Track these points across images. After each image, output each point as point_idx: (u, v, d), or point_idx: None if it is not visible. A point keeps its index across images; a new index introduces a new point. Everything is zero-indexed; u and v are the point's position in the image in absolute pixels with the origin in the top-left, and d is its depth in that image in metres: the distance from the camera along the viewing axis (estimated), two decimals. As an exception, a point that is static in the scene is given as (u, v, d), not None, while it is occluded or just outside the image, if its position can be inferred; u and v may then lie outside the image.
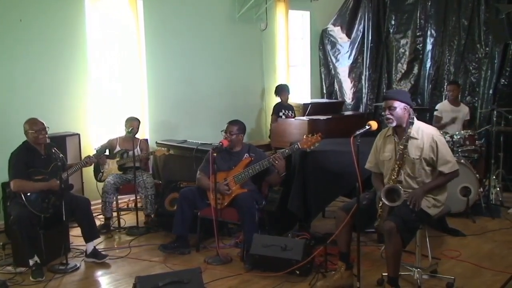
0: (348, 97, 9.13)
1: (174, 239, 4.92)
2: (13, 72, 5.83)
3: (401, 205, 3.65)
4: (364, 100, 8.82)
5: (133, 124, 5.82)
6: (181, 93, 7.48)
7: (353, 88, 9.06)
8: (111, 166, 5.77)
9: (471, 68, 7.47)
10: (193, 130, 7.45)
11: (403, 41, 8.29)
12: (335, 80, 9.36)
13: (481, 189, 6.04)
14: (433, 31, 7.86)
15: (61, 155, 4.70)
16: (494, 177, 6.23)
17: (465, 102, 7.24)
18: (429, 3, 7.90)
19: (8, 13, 5.74)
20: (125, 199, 6.58)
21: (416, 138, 3.82)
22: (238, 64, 8.23)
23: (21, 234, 4.33)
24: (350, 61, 9.01)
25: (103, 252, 4.81)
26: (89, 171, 5.95)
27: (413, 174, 3.83)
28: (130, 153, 5.67)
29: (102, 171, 5.76)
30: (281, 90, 8.11)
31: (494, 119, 6.17)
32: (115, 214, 5.83)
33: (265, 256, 4.30)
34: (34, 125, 4.55)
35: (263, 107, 8.65)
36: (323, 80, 9.54)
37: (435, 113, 6.91)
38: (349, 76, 9.07)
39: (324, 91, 9.53)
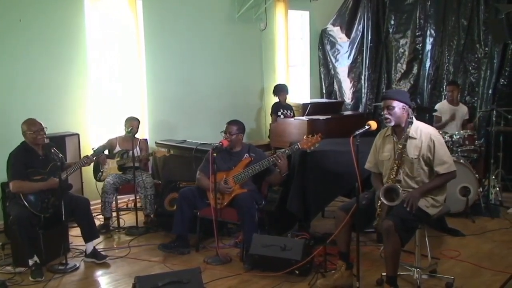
0: (348, 97, 9.13)
1: (174, 239, 4.92)
2: (12, 72, 5.83)
3: (400, 204, 3.66)
4: (364, 100, 8.83)
5: (132, 124, 5.82)
6: (181, 93, 7.48)
7: (352, 88, 9.07)
8: (111, 166, 5.77)
9: (470, 68, 7.47)
10: (192, 130, 7.45)
11: (402, 41, 8.29)
12: (335, 80, 9.37)
13: (481, 189, 6.05)
14: (432, 31, 7.87)
15: (60, 155, 4.70)
16: (493, 177, 6.23)
17: (464, 102, 7.25)
18: (429, 3, 7.90)
19: (8, 13, 5.74)
20: (124, 199, 6.58)
21: (414, 138, 3.82)
22: (238, 64, 8.23)
23: (21, 234, 4.33)
24: (350, 61, 9.02)
25: (102, 252, 4.81)
26: (88, 171, 5.95)
27: (412, 174, 3.83)
28: (130, 153, 5.66)
29: (102, 170, 5.76)
30: (280, 90, 8.12)
31: (494, 119, 6.18)
32: (114, 214, 5.83)
33: (265, 256, 4.30)
34: (32, 126, 4.54)
35: (262, 107, 8.65)
36: (322, 80, 9.55)
37: (434, 113, 6.91)
38: (348, 76, 9.08)
39: (324, 91, 9.53)
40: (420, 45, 8.10)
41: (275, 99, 8.19)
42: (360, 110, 8.92)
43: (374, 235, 5.05)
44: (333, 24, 9.22)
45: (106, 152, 5.83)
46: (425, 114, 7.57)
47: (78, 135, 6.18)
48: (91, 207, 4.96)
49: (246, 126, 5.11)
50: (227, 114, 6.73)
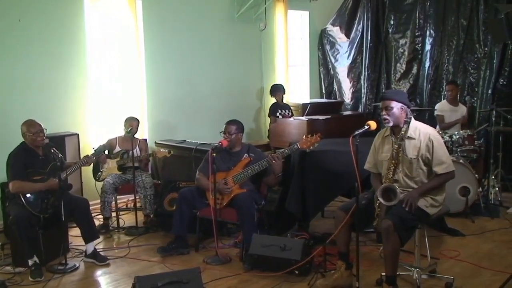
0: (347, 97, 9.13)
1: (173, 239, 4.92)
2: (12, 72, 5.83)
3: (399, 204, 3.66)
4: (363, 100, 8.83)
5: (132, 124, 5.83)
6: (180, 93, 7.48)
7: (352, 88, 9.07)
8: (111, 166, 5.76)
9: (470, 68, 7.47)
10: (192, 130, 7.45)
11: (402, 41, 8.29)
12: (334, 80, 9.37)
13: (480, 189, 6.05)
14: (432, 31, 7.87)
15: (60, 155, 4.69)
16: (493, 177, 6.24)
17: (464, 102, 7.25)
18: (428, 3, 7.90)
19: (8, 13, 5.74)
20: (124, 199, 6.58)
21: (413, 138, 3.83)
22: (237, 64, 8.23)
23: (20, 234, 4.33)
24: (349, 61, 9.01)
25: (102, 253, 4.82)
26: (88, 171, 5.95)
27: (411, 174, 3.83)
28: (130, 153, 5.66)
29: (101, 170, 5.76)
30: (276, 90, 8.13)
31: (493, 119, 6.18)
32: (114, 214, 5.83)
33: (264, 256, 4.30)
34: (31, 127, 4.53)
35: (262, 106, 8.65)
36: (322, 80, 9.55)
37: (435, 113, 6.91)
38: (348, 76, 9.08)
39: (323, 91, 9.53)
40: (420, 45, 8.10)
41: (273, 100, 8.19)
42: (360, 110, 8.92)
43: (374, 235, 5.05)
44: (333, 24, 9.22)
45: (106, 152, 5.83)
46: (424, 114, 7.59)
47: (77, 135, 6.18)
48: (91, 207, 4.96)
49: (245, 126, 5.11)
50: (227, 114, 6.73)
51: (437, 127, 6.71)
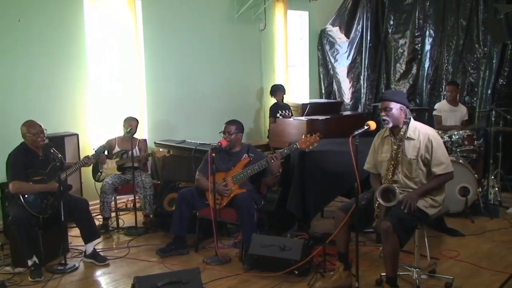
0: (347, 97, 9.13)
1: (172, 239, 4.92)
2: (12, 72, 5.83)
3: (398, 204, 3.66)
4: (363, 100, 8.83)
5: (131, 124, 5.83)
6: (180, 93, 7.47)
7: (351, 88, 9.07)
8: (110, 166, 5.76)
9: (469, 68, 7.47)
10: (192, 130, 7.45)
11: (401, 41, 8.29)
12: (334, 80, 9.37)
13: (480, 189, 6.05)
14: (431, 31, 7.87)
15: (59, 155, 4.69)
16: (492, 177, 6.24)
17: (464, 102, 7.26)
18: (428, 3, 7.90)
19: (7, 13, 5.73)
20: (123, 199, 6.58)
21: (413, 139, 3.83)
22: (237, 64, 8.23)
23: (20, 235, 4.33)
24: (349, 61, 9.02)
25: (101, 253, 4.82)
26: (88, 171, 5.94)
27: (411, 175, 3.83)
28: (130, 153, 5.66)
29: (101, 170, 5.76)
30: (276, 90, 8.14)
31: (493, 119, 6.18)
32: (113, 214, 5.82)
33: (264, 256, 4.30)
34: (31, 128, 4.53)
35: (261, 107, 8.65)
36: (321, 80, 9.55)
37: (434, 112, 6.91)
38: (347, 76, 9.08)
39: (323, 91, 9.53)
40: (419, 45, 8.10)
41: (273, 100, 8.19)
42: (359, 110, 8.92)
43: (374, 235, 5.06)
44: (332, 24, 9.22)
45: (106, 152, 5.83)
46: (424, 114, 7.59)
47: (77, 135, 6.18)
48: (90, 207, 4.96)
49: (245, 126, 5.11)
50: (227, 114, 6.72)
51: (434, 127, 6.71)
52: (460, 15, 7.51)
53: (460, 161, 5.73)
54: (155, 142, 6.72)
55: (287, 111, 8.11)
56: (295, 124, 7.66)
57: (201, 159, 5.16)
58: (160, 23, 7.18)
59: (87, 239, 4.73)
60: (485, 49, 7.26)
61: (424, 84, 8.01)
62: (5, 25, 5.73)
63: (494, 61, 7.10)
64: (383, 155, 3.95)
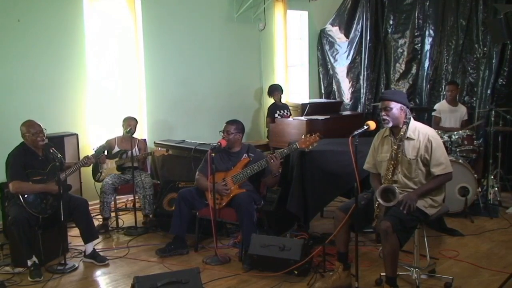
0: (346, 97, 9.13)
1: (172, 239, 4.92)
2: (11, 72, 5.82)
3: (398, 204, 3.66)
4: (362, 100, 8.83)
5: (130, 123, 5.83)
6: (180, 93, 7.48)
7: (351, 88, 9.07)
8: (110, 166, 5.76)
9: (469, 68, 7.47)
10: (191, 130, 7.46)
11: (401, 41, 8.29)
12: (333, 80, 9.36)
13: (479, 189, 6.05)
14: (431, 31, 7.87)
15: (59, 155, 4.68)
16: (492, 177, 6.24)
17: (463, 102, 7.26)
18: (427, 3, 7.90)
19: (7, 13, 5.73)
20: (123, 199, 6.58)
21: (412, 139, 3.83)
22: (237, 64, 8.23)
23: (19, 235, 4.33)
24: (348, 61, 9.01)
25: (101, 253, 4.82)
26: (87, 171, 5.94)
27: (410, 175, 3.84)
28: (129, 153, 5.66)
29: (100, 171, 5.76)
30: (274, 90, 8.14)
31: (492, 119, 6.18)
32: (113, 214, 5.82)
33: (264, 256, 4.30)
34: (31, 128, 4.53)
35: (261, 107, 8.65)
36: (321, 80, 9.55)
37: (433, 113, 6.91)
38: (347, 76, 9.08)
39: (322, 91, 9.53)
40: (419, 45, 8.10)
41: (271, 100, 8.20)
42: (359, 110, 8.92)
43: (373, 235, 5.06)
44: (332, 24, 9.22)
45: (105, 152, 5.83)
46: (424, 114, 7.59)
47: (77, 135, 6.18)
48: (90, 207, 4.95)
49: (245, 126, 5.10)
50: (226, 114, 6.73)
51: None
52: (460, 15, 7.51)
53: (460, 161, 5.74)
54: (154, 142, 6.72)
55: (285, 111, 8.11)
56: (294, 124, 7.66)
57: (200, 159, 5.16)
58: (160, 23, 7.18)
59: (86, 239, 4.73)
60: (485, 49, 7.26)
61: (424, 84, 8.01)
62: (5, 25, 5.72)
63: (493, 61, 7.10)
64: (383, 155, 3.95)
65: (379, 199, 3.67)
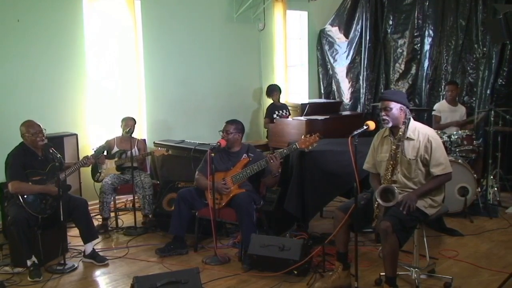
0: (346, 97, 9.13)
1: (171, 239, 4.92)
2: (11, 72, 5.82)
3: (398, 204, 3.66)
4: (362, 100, 8.83)
5: (129, 123, 5.83)
6: (179, 93, 7.48)
7: (351, 88, 9.07)
8: (109, 166, 5.76)
9: (468, 68, 7.47)
10: (191, 130, 7.46)
11: (400, 41, 8.29)
12: (333, 80, 9.37)
13: (479, 189, 6.05)
14: (430, 31, 7.87)
15: (58, 155, 4.68)
16: (491, 177, 6.24)
17: (463, 103, 7.26)
18: (427, 3, 7.90)
19: (6, 13, 5.73)
20: (123, 199, 6.58)
21: (412, 139, 3.83)
22: (236, 64, 8.23)
23: (19, 235, 4.33)
24: (348, 61, 9.01)
25: (100, 253, 4.81)
26: (87, 171, 5.94)
27: (410, 175, 3.84)
28: (129, 153, 5.66)
29: (100, 171, 5.76)
30: (272, 90, 8.14)
31: (492, 119, 6.18)
32: (113, 214, 5.82)
33: (263, 256, 4.30)
34: (30, 128, 4.53)
35: (261, 107, 8.65)
36: (321, 80, 9.55)
37: (433, 113, 6.91)
38: (347, 76, 9.08)
39: (322, 91, 9.53)
40: (419, 45, 8.10)
41: (271, 100, 8.20)
42: (359, 110, 8.92)
43: (373, 235, 5.06)
44: (332, 24, 9.22)
45: (105, 153, 5.82)
46: (423, 114, 7.59)
47: (76, 135, 6.17)
48: (89, 208, 4.95)
49: (244, 126, 5.10)
50: (226, 114, 6.73)
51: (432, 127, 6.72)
52: (459, 15, 7.51)
53: (459, 161, 5.74)
54: (154, 142, 6.72)
55: (284, 111, 8.12)
56: (294, 124, 7.66)
57: (200, 159, 5.16)
58: (159, 23, 7.18)
59: (86, 239, 4.73)
60: (484, 49, 7.26)
61: (423, 84, 8.01)
62: (4, 25, 5.72)
63: (493, 61, 7.10)
64: (382, 155, 3.95)
65: (378, 199, 3.67)
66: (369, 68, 8.66)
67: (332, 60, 9.30)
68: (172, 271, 4.09)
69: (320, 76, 9.55)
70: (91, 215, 5.06)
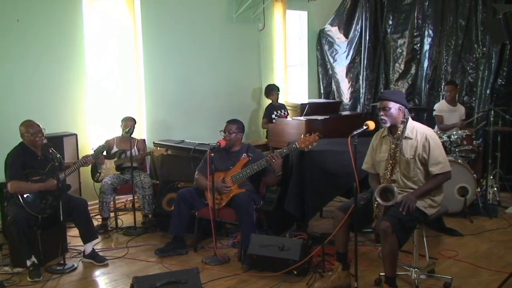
0: (346, 97, 9.12)
1: (171, 239, 4.92)
2: (10, 72, 5.82)
3: (397, 205, 3.66)
4: (362, 100, 8.82)
5: (128, 124, 5.83)
6: (179, 93, 7.47)
7: (350, 88, 9.06)
8: (109, 166, 5.76)
9: (468, 68, 7.47)
10: (190, 130, 7.45)
11: (400, 41, 8.29)
12: (333, 80, 9.36)
13: (479, 189, 6.05)
14: (430, 31, 7.87)
15: (58, 155, 4.68)
16: (491, 177, 6.24)
17: (462, 103, 7.26)
18: (427, 3, 7.90)
19: (6, 13, 5.73)
20: (122, 199, 6.58)
21: (410, 138, 3.83)
22: (236, 64, 8.23)
23: (19, 235, 4.33)
24: (348, 61, 9.01)
25: (100, 253, 4.81)
26: (86, 171, 5.94)
27: (409, 174, 3.84)
28: (128, 153, 5.66)
29: (99, 171, 5.76)
30: (270, 90, 8.14)
31: (491, 119, 6.18)
32: (112, 214, 5.82)
33: (263, 256, 4.30)
34: (30, 128, 4.53)
35: (260, 107, 8.64)
36: (320, 80, 9.55)
37: (434, 113, 6.91)
38: (346, 76, 9.07)
39: (322, 91, 9.53)
40: (418, 45, 8.10)
41: (268, 101, 8.21)
42: (358, 110, 8.92)
43: (373, 235, 5.06)
44: (331, 24, 9.22)
45: (104, 153, 5.82)
46: (423, 114, 7.58)
47: (76, 135, 6.17)
48: (89, 208, 4.95)
49: (244, 126, 5.10)
50: (225, 114, 6.73)
51: (436, 127, 6.71)
52: (459, 15, 7.51)
53: (459, 161, 5.74)
54: (154, 142, 6.72)
55: (282, 110, 8.11)
56: (294, 124, 7.66)
57: (200, 159, 5.16)
58: (159, 23, 7.17)
59: (86, 239, 4.72)
60: (484, 49, 7.26)
61: (423, 84, 8.01)
62: (4, 25, 5.72)
63: (493, 61, 7.10)
64: (381, 155, 3.95)
65: (378, 199, 3.67)
66: (368, 68, 8.66)
67: (331, 60, 9.29)
68: (171, 271, 4.09)
69: (320, 76, 9.54)
70: (91, 215, 5.06)
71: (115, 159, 5.78)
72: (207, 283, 4.13)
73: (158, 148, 6.14)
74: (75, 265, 4.61)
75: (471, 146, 6.12)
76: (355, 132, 3.66)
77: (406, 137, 3.83)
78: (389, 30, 8.43)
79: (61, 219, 4.45)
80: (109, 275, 4.46)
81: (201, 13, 7.67)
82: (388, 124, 3.85)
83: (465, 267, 4.40)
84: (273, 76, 8.72)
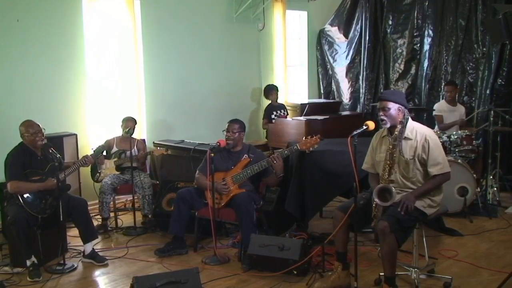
0: (346, 97, 9.13)
1: (171, 239, 4.92)
2: (10, 73, 5.82)
3: (396, 205, 3.66)
4: (362, 100, 8.83)
5: (129, 124, 5.83)
6: (179, 93, 7.47)
7: (350, 88, 9.06)
8: (109, 166, 5.76)
9: (468, 68, 7.47)
10: (190, 130, 7.45)
11: (400, 41, 8.29)
12: (333, 80, 9.36)
13: (478, 189, 6.06)
14: (430, 31, 7.87)
15: (58, 155, 4.68)
16: (491, 177, 6.24)
17: (462, 103, 7.26)
18: (426, 3, 7.90)
19: (6, 13, 5.73)
20: (122, 200, 6.58)
21: (410, 139, 3.83)
22: (236, 64, 8.23)
23: (18, 235, 4.33)
24: (348, 61, 9.01)
25: (100, 253, 4.81)
26: (86, 171, 5.94)
27: (407, 175, 3.84)
28: (128, 153, 5.66)
29: (99, 171, 5.76)
30: (270, 90, 8.14)
31: (491, 119, 6.19)
32: (112, 214, 5.82)
33: (263, 256, 4.30)
34: (30, 128, 4.53)
35: (260, 107, 8.64)
36: (320, 80, 9.55)
37: (434, 113, 6.91)
38: (346, 76, 9.07)
39: (322, 91, 9.53)
40: (418, 45, 8.10)
41: (268, 101, 8.20)
42: (358, 110, 8.92)
43: (372, 235, 5.06)
44: (331, 24, 9.22)
45: (104, 153, 5.82)
46: (423, 114, 7.58)
47: (76, 135, 6.17)
48: (89, 208, 4.95)
49: (245, 125, 5.11)
50: (225, 114, 6.74)
51: (436, 127, 6.72)
52: (459, 15, 7.51)
53: (459, 161, 5.74)
54: (153, 142, 6.72)
55: (282, 110, 8.11)
56: (294, 124, 7.66)
57: (200, 159, 5.17)
58: (159, 23, 7.18)
59: (85, 239, 4.72)
60: (484, 49, 7.26)
61: (423, 84, 8.01)
62: (4, 25, 5.72)
63: (492, 61, 7.10)
64: (381, 155, 3.95)
65: (376, 199, 3.67)
66: (368, 68, 8.66)
67: (331, 60, 9.29)
68: (171, 271, 4.09)
69: (320, 76, 9.55)
70: (91, 215, 5.06)
71: (115, 159, 5.78)
72: (207, 283, 4.13)
73: (158, 148, 6.14)
74: (75, 265, 4.61)
75: (471, 146, 6.12)
76: (355, 132, 3.66)
77: (405, 138, 3.83)
78: (389, 30, 8.43)
79: (61, 219, 4.45)
80: (109, 275, 4.46)
81: (201, 13, 7.67)
82: (388, 125, 3.85)
83: (465, 267, 4.40)
84: (273, 76, 8.72)
